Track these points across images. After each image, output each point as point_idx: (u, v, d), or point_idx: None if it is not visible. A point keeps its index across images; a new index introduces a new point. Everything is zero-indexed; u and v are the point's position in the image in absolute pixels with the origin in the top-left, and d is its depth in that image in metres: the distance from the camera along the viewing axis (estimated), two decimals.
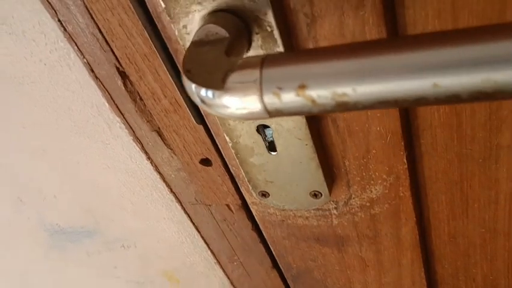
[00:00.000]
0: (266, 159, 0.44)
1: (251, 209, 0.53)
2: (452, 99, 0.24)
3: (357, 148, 0.42)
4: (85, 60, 0.44)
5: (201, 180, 0.51)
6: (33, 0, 0.40)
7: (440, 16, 0.34)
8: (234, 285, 0.66)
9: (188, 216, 0.57)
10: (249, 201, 0.52)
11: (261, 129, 0.42)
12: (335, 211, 0.48)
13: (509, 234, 0.46)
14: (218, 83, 0.29)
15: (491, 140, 0.40)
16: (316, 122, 0.41)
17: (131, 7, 0.38)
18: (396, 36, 0.25)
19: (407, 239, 0.49)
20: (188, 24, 0.36)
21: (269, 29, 0.34)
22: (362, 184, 0.45)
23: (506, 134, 0.39)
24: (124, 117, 0.48)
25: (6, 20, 0.41)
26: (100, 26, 0.40)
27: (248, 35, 0.35)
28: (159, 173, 0.53)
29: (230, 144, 0.44)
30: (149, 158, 0.51)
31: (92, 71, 0.44)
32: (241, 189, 0.51)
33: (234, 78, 0.28)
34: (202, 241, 0.60)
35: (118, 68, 0.43)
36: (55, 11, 0.40)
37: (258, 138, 0.43)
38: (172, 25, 0.36)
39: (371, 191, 0.45)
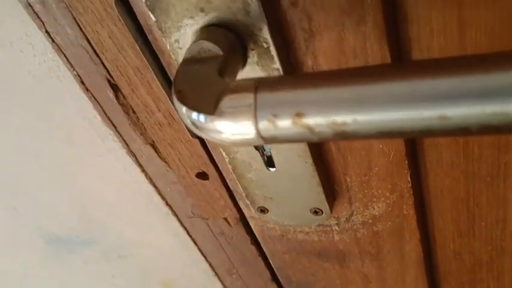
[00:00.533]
0: (264, 175, 0.42)
1: (250, 223, 0.51)
2: (460, 132, 0.22)
3: (359, 165, 0.40)
4: (75, 73, 0.42)
5: (198, 194, 0.50)
6: (21, 11, 0.38)
7: (445, 32, 0.32)
8: None
9: (185, 229, 0.55)
10: (247, 215, 0.50)
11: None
12: (336, 227, 0.47)
13: None
14: (209, 107, 0.27)
15: (500, 158, 0.38)
16: None
17: (121, 19, 0.36)
18: (399, 62, 0.24)
19: (410, 256, 0.47)
20: (181, 39, 0.34)
21: (265, 45, 0.33)
22: (364, 201, 0.43)
23: None
24: (116, 130, 0.46)
25: None
26: (89, 38, 0.39)
27: (243, 51, 0.33)
28: (154, 186, 0.51)
29: (227, 160, 0.42)
30: (143, 170, 0.50)
31: (83, 83, 0.43)
32: (239, 204, 0.49)
33: (226, 102, 0.26)
34: (200, 253, 0.58)
35: (109, 81, 0.42)
36: (42, 22, 0.39)
37: (256, 154, 0.41)
38: (163, 39, 0.34)
39: (374, 208, 0.43)
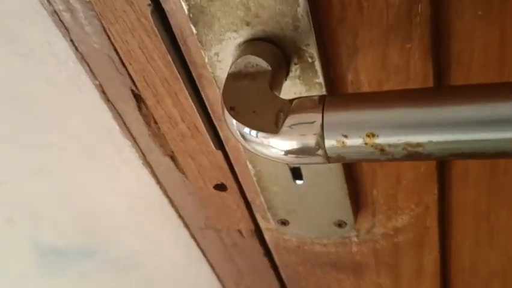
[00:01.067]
0: (290, 187, 0.42)
1: (264, 235, 0.51)
2: None
3: (388, 179, 0.40)
4: (97, 82, 0.40)
5: (214, 205, 0.49)
6: (45, 18, 0.36)
7: (486, 52, 0.32)
8: None
9: (196, 240, 0.54)
10: (263, 227, 0.50)
11: None
12: (355, 238, 0.47)
13: None
14: (271, 126, 0.26)
15: None
16: None
17: (155, 30, 0.35)
18: (475, 84, 0.24)
19: (428, 268, 0.48)
20: (221, 52, 0.34)
21: (310, 60, 0.32)
22: (388, 214, 0.43)
23: None
24: (135, 141, 0.45)
25: (14, 40, 0.38)
26: (117, 48, 0.37)
27: (287, 66, 0.33)
28: (168, 197, 0.50)
29: (252, 172, 0.42)
30: (159, 182, 0.49)
31: (104, 93, 0.41)
32: (256, 215, 0.49)
33: (291, 121, 0.26)
34: (208, 265, 0.57)
35: (133, 91, 0.41)
36: (67, 30, 0.37)
37: (284, 166, 0.41)
38: (202, 51, 0.34)
39: (397, 220, 0.44)
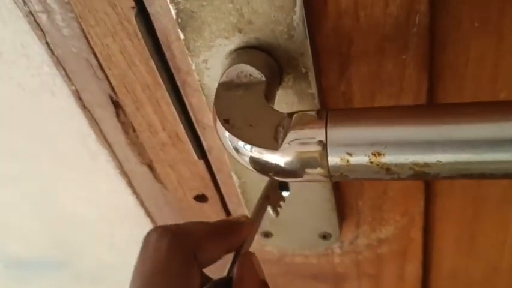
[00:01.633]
0: None
1: None
2: None
3: (374, 189, 0.40)
4: (73, 88, 0.38)
5: (193, 216, 0.47)
6: (19, 19, 0.34)
7: (481, 62, 0.32)
8: None
9: None
10: None
11: None
12: (338, 250, 0.46)
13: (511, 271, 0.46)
14: (271, 142, 0.25)
15: None
16: None
17: (138, 33, 0.33)
18: (489, 101, 0.23)
19: (409, 277, 0.47)
20: (210, 59, 0.32)
21: (304, 70, 0.31)
22: (372, 225, 0.43)
23: None
24: (111, 149, 0.43)
25: None
26: (96, 52, 0.35)
27: (280, 76, 0.31)
28: (145, 207, 0.48)
29: (237, 184, 0.40)
30: (135, 192, 0.46)
31: (80, 99, 0.39)
32: None
33: (291, 136, 0.24)
34: None
35: (111, 97, 0.38)
36: (43, 33, 0.35)
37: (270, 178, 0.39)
38: (189, 58, 0.32)
39: (381, 231, 0.43)
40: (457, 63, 0.32)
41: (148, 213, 0.48)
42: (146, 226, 0.50)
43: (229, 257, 0.29)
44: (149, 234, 0.26)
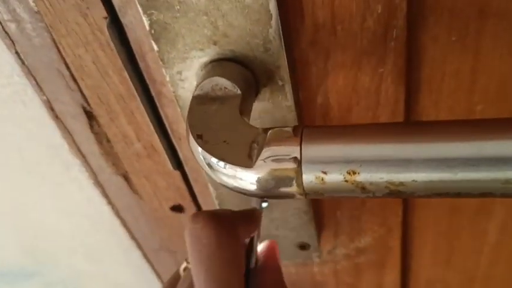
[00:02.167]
0: None
1: None
2: None
3: (353, 200, 0.40)
4: (45, 98, 0.37)
5: (169, 227, 0.46)
6: None
7: (457, 77, 0.32)
8: None
9: (150, 262, 0.51)
10: None
11: None
12: (317, 259, 0.46)
13: (487, 280, 0.46)
14: (244, 159, 0.25)
15: None
16: None
17: (110, 44, 0.32)
18: (466, 120, 0.23)
19: (388, 287, 0.47)
20: (184, 71, 0.31)
21: (280, 83, 0.31)
22: (350, 235, 0.43)
23: None
24: (85, 159, 0.42)
25: None
26: (68, 62, 0.34)
27: (256, 89, 0.31)
28: (120, 217, 0.47)
29: (214, 194, 0.39)
30: (110, 202, 0.45)
31: (52, 109, 0.38)
32: None
33: (265, 153, 0.24)
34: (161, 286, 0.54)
35: (84, 108, 0.37)
36: (13, 42, 0.34)
37: None
38: (163, 69, 0.31)
39: (359, 242, 0.43)
40: (434, 77, 0.32)
41: (124, 223, 0.48)
42: (122, 236, 0.49)
43: None
44: (193, 221, 0.26)
